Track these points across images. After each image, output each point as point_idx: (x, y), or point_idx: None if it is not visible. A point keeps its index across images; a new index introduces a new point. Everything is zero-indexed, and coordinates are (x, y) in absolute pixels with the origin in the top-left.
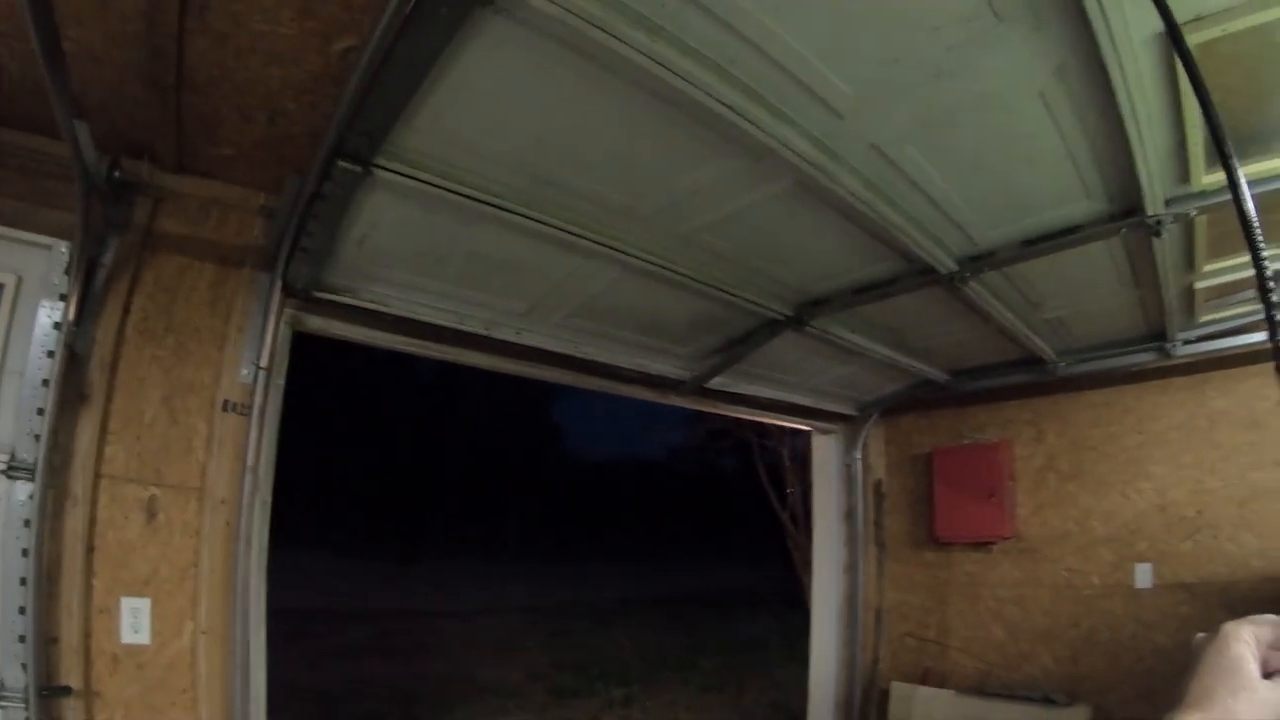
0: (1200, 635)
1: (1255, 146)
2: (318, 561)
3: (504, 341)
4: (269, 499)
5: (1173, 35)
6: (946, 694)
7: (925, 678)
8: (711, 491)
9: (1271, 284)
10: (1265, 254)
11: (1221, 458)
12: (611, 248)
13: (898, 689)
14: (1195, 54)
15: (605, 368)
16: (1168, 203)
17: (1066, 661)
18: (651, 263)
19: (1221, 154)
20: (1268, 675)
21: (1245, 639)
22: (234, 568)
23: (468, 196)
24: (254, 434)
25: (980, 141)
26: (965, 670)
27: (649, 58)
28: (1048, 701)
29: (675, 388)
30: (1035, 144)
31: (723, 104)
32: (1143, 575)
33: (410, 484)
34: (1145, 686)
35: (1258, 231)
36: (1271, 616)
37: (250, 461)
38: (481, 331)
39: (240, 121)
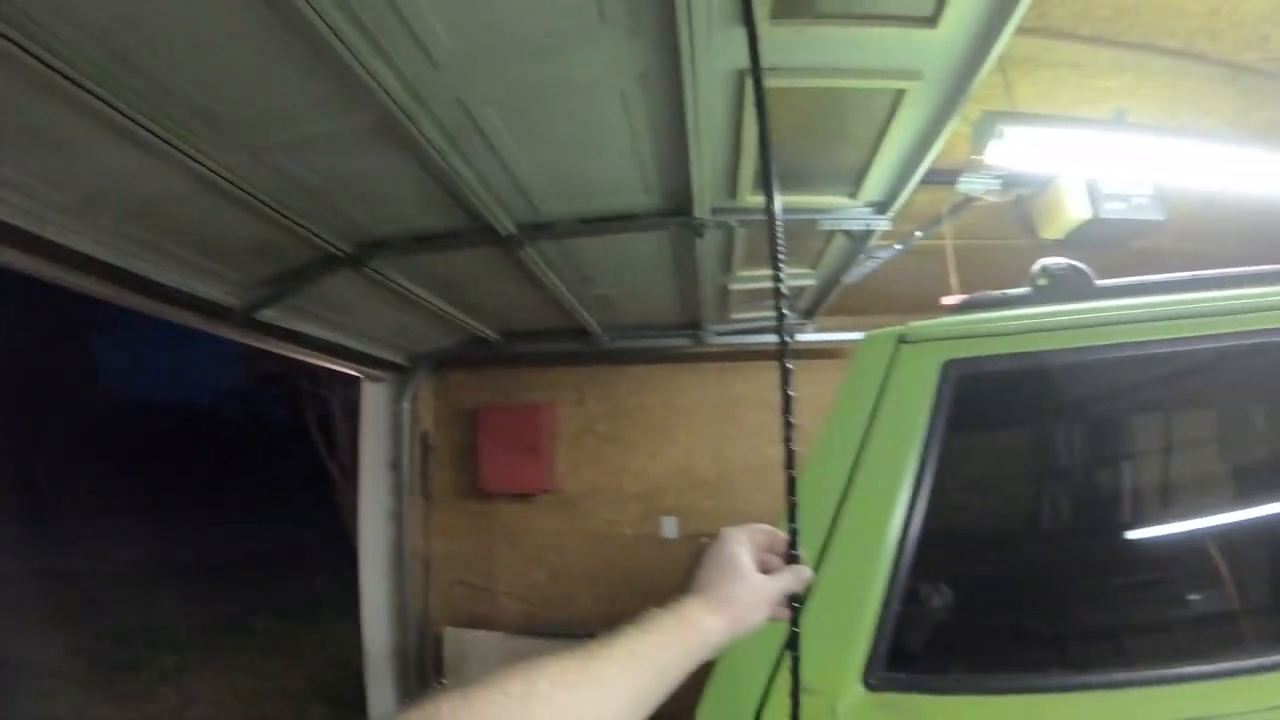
0: (704, 540)
1: (793, 182)
2: None
3: (49, 241)
4: None
5: (755, 75)
6: (497, 636)
7: (476, 622)
8: (262, 441)
9: (785, 294)
10: (783, 272)
11: (740, 433)
12: (182, 151)
13: (450, 634)
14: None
15: (155, 286)
16: (714, 211)
17: (605, 602)
18: (220, 175)
19: (765, 181)
20: (765, 571)
21: (740, 540)
22: None
23: (38, 59)
24: None
25: (559, 121)
26: (513, 613)
27: None
28: (590, 638)
29: (225, 316)
30: (608, 135)
31: (325, 22)
32: (669, 527)
33: None
34: None
35: (780, 251)
36: (765, 526)
37: None
38: (25, 226)
39: None
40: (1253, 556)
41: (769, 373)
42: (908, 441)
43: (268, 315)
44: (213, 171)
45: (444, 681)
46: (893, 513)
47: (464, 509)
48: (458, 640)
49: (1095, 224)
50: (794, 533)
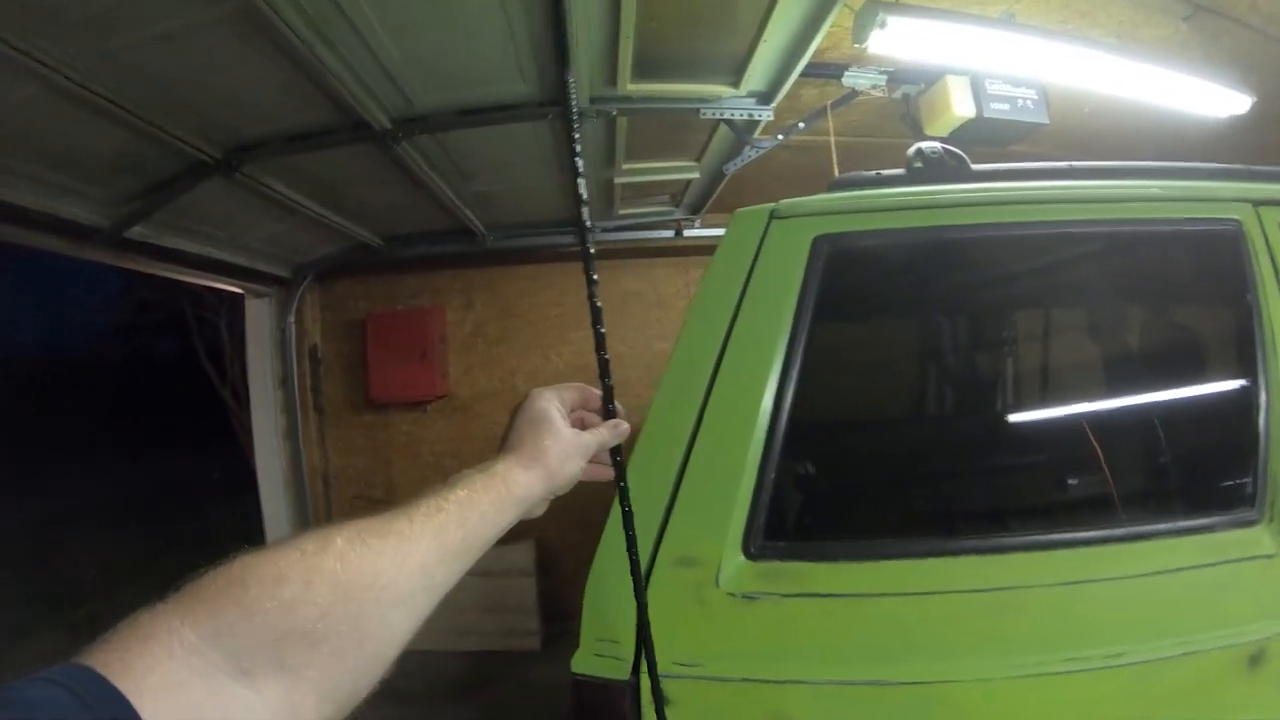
0: (517, 405)
1: (677, 71)
2: None
3: None
4: None
5: None
6: None
7: None
8: (150, 377)
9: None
10: (665, 164)
11: (633, 329)
12: (29, 55)
13: None
14: None
15: (12, 209)
16: (593, 100)
17: None
18: (76, 81)
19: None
20: (583, 428)
21: (549, 398)
22: None
23: None
24: None
25: (427, 5)
26: None
27: None
28: None
29: (91, 237)
30: (480, 19)
31: None
32: None
33: None
34: (579, 517)
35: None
36: (577, 383)
37: None
38: None
39: None
40: (1112, 433)
41: (657, 269)
42: (779, 313)
43: (138, 233)
44: (65, 77)
45: None
46: (766, 384)
47: (358, 422)
48: None
49: (979, 123)
50: (608, 389)
